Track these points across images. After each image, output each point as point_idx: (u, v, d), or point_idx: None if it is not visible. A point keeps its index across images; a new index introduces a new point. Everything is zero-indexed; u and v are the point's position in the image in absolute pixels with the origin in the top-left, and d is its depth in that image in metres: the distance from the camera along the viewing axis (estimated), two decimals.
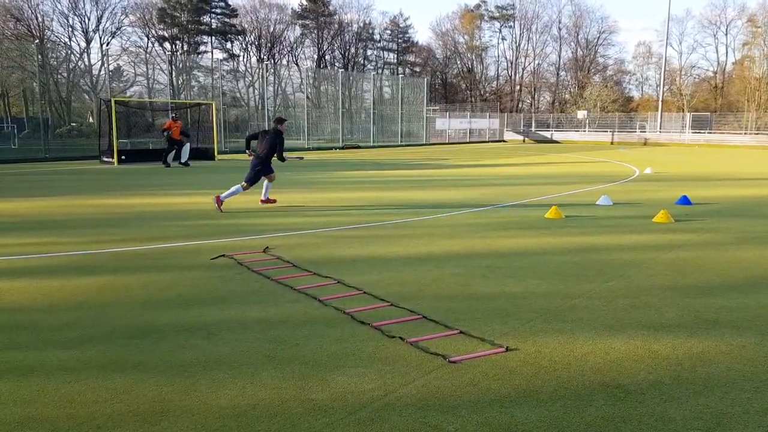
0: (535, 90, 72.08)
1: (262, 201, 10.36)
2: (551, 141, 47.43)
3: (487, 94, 70.67)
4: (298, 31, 66.58)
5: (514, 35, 71.81)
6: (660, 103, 41.53)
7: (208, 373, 3.37)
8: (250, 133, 10.88)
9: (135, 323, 4.23)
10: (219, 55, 59.06)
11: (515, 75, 72.42)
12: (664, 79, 47.37)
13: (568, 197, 11.61)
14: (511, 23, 71.59)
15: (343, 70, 42.15)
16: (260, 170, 9.95)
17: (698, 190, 12.94)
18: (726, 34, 62.30)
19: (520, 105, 69.72)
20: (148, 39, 56.07)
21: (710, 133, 42.99)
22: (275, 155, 10.02)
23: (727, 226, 8.25)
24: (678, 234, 7.67)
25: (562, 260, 6.15)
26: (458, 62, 73.45)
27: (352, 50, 69.12)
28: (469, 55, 72.92)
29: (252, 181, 9.89)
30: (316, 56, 66.64)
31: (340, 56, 67.72)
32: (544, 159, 24.85)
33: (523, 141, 48.81)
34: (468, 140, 46.43)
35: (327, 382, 3.26)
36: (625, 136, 45.64)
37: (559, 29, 69.58)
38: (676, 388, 3.19)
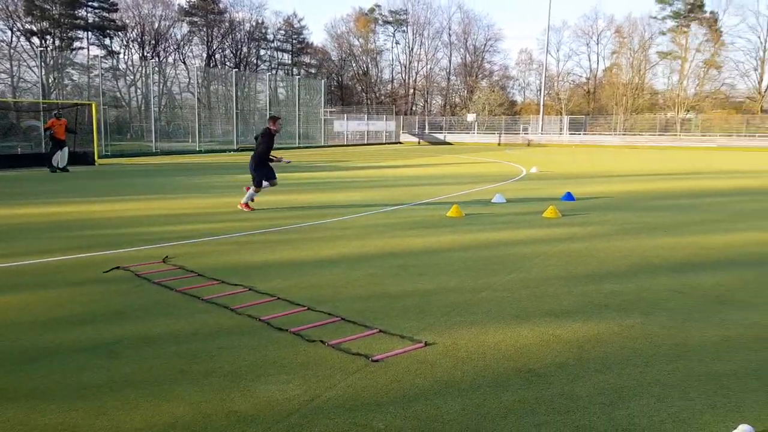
0: (428, 93, 74.19)
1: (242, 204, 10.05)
2: (445, 143, 49.07)
3: (383, 97, 71.80)
4: (185, 28, 64.04)
5: (407, 40, 73.58)
6: (542, 107, 44.27)
7: (116, 394, 3.17)
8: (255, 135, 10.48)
9: (23, 347, 3.85)
10: (97, 51, 55.41)
11: (409, 78, 74.21)
12: (544, 85, 50.43)
13: (466, 196, 12.09)
14: (405, 28, 73.27)
15: (236, 69, 41.01)
16: (262, 172, 9.95)
17: (580, 186, 13.95)
18: (597, 44, 67.53)
19: (413, 108, 71.48)
20: (12, 32, 51.43)
21: (585, 134, 46.40)
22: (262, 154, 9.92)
23: (608, 219, 8.99)
24: (565, 228, 8.25)
25: (468, 256, 6.42)
26: (354, 65, 74.05)
27: (245, 50, 67.54)
28: (364, 58, 73.72)
29: (260, 184, 10.03)
30: (205, 55, 64.42)
31: (232, 55, 65.95)
32: (439, 160, 25.69)
33: (419, 143, 50.10)
34: (366, 142, 46.92)
35: (250, 392, 3.20)
36: (511, 138, 48.18)
37: (449, 35, 72.21)
38: (580, 368, 3.47)
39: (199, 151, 31.47)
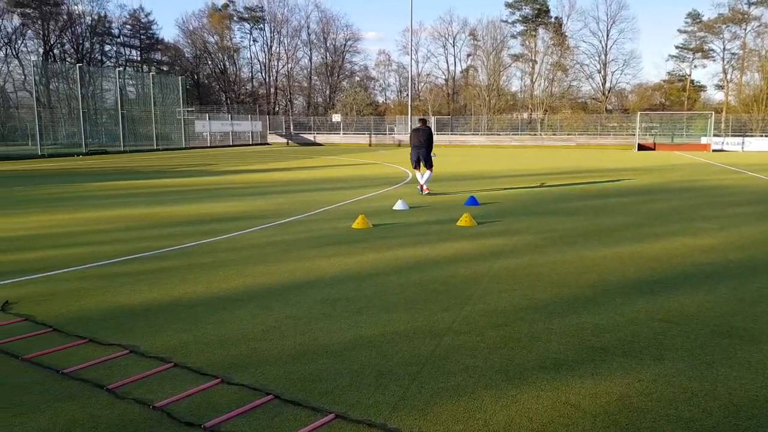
0: (290, 93, 72.36)
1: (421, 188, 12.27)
2: (315, 144, 47.81)
3: (243, 96, 68.84)
4: (17, 20, 56.68)
5: (265, 38, 71.18)
6: (410, 107, 44.63)
7: None
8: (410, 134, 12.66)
9: None
10: None
11: (269, 78, 71.86)
12: (412, 85, 51.09)
13: (363, 203, 11.06)
14: (262, 25, 70.79)
15: (80, 65, 36.61)
16: (418, 159, 12.32)
17: (471, 188, 13.52)
18: (453, 46, 69.95)
19: (276, 108, 69.34)
20: None
21: (452, 134, 47.58)
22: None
23: (527, 226, 8.39)
24: (490, 238, 7.50)
25: (402, 282, 5.36)
26: (210, 62, 70.22)
27: (87, 45, 61.32)
28: (220, 56, 70.17)
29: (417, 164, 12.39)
30: (42, 50, 57.47)
31: (73, 51, 59.52)
32: (316, 162, 24.46)
33: (287, 144, 48.39)
34: (231, 143, 44.32)
35: None
36: (381, 138, 48.13)
37: (309, 34, 70.90)
38: None
39: (42, 156, 27.52)
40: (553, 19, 65.01)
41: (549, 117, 53.67)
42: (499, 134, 47.45)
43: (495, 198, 11.79)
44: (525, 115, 58.38)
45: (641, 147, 38.07)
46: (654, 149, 37.85)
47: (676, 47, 66.28)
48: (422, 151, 12.18)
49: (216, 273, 5.73)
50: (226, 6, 70.28)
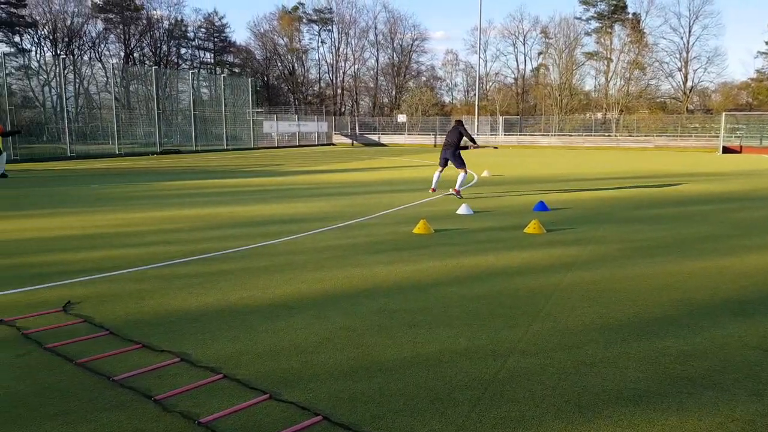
0: (356, 93, 72.91)
1: (454, 190, 11.97)
2: (379, 144, 47.89)
3: (310, 97, 69.95)
4: (100, 25, 59.93)
5: (333, 39, 72.03)
6: (476, 107, 43.91)
7: None
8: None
9: None
10: (5, 49, 50.83)
11: (336, 79, 72.66)
12: (479, 85, 50.33)
13: (425, 207, 10.80)
14: (330, 27, 71.67)
15: (156, 67, 38.18)
16: (446, 159, 12.06)
17: (542, 192, 12.99)
18: (524, 44, 68.42)
19: (342, 108, 70.03)
20: None
21: (522, 134, 46.49)
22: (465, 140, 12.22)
23: (602, 235, 7.88)
24: (560, 248, 7.07)
25: (464, 293, 5.07)
26: (279, 64, 71.77)
27: (164, 48, 64.04)
28: (290, 57, 71.57)
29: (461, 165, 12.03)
30: (123, 53, 60.49)
31: (151, 54, 62.29)
32: (380, 163, 24.36)
33: (352, 144, 48.70)
34: (297, 144, 45.05)
35: None
36: None
37: (376, 35, 71.18)
38: None
39: (119, 155, 28.80)
40: (630, 15, 62.45)
41: (625, 117, 51.50)
42: (571, 135, 45.96)
43: (566, 203, 11.25)
44: (598, 116, 56.31)
45: (726, 150, 35.85)
46: (740, 152, 35.58)
47: (766, 43, 62.30)
48: (449, 150, 11.91)
49: (272, 278, 5.62)
50: (296, 8, 71.66)
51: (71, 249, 6.97)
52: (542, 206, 10.14)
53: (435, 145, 45.87)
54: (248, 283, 5.43)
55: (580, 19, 64.13)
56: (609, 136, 45.45)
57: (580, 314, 4.52)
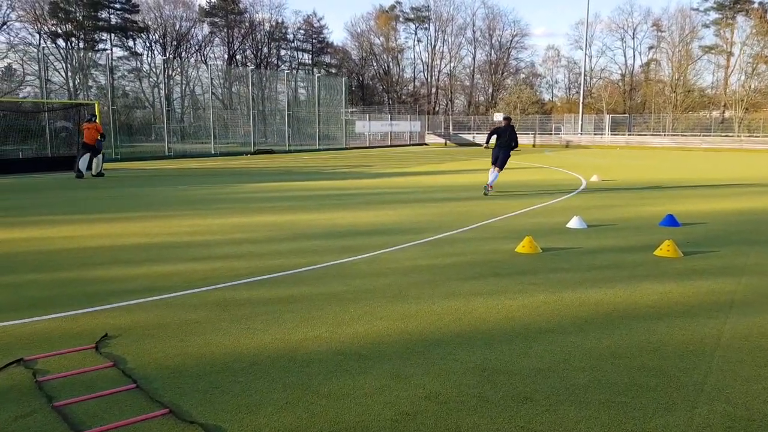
0: (451, 92, 71.40)
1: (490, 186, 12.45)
2: (474, 144, 46.28)
3: (404, 97, 69.27)
4: (206, 29, 62.59)
5: (429, 37, 70.95)
6: (581, 105, 41.26)
7: None
8: (490, 131, 13.07)
9: None
10: (120, 53, 54.19)
11: (431, 77, 71.50)
12: (584, 82, 47.52)
13: (529, 217, 9.49)
14: (426, 25, 70.63)
15: (252, 68, 38.81)
16: (498, 157, 12.53)
17: (664, 202, 11.25)
18: (633, 38, 64.01)
19: (436, 107, 68.79)
20: (40, 36, 50.43)
21: (630, 134, 43.21)
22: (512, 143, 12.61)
23: (756, 262, 6.28)
24: (706, 279, 5.59)
25: (589, 348, 3.83)
26: (374, 64, 71.66)
27: (265, 50, 65.80)
28: (385, 57, 71.28)
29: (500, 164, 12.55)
30: (226, 56, 62.75)
31: (252, 56, 64.17)
32: (475, 165, 22.99)
33: (445, 144, 47.44)
34: (389, 143, 44.43)
35: None
36: (546, 139, 45.24)
37: (474, 32, 69.28)
38: None
39: (215, 154, 29.31)
40: (756, 5, 56.69)
41: (749, 116, 46.62)
42: (686, 135, 42.09)
43: (699, 216, 9.52)
44: (716, 114, 51.47)
45: None
46: None
47: None
48: (503, 150, 12.51)
49: (345, 310, 4.64)
50: (393, 7, 71.23)
51: (134, 262, 6.35)
52: (671, 220, 8.53)
53: (534, 145, 43.64)
54: (316, 317, 4.47)
55: (697, 10, 59.11)
56: (731, 136, 41.17)
57: (760, 388, 3.17)
